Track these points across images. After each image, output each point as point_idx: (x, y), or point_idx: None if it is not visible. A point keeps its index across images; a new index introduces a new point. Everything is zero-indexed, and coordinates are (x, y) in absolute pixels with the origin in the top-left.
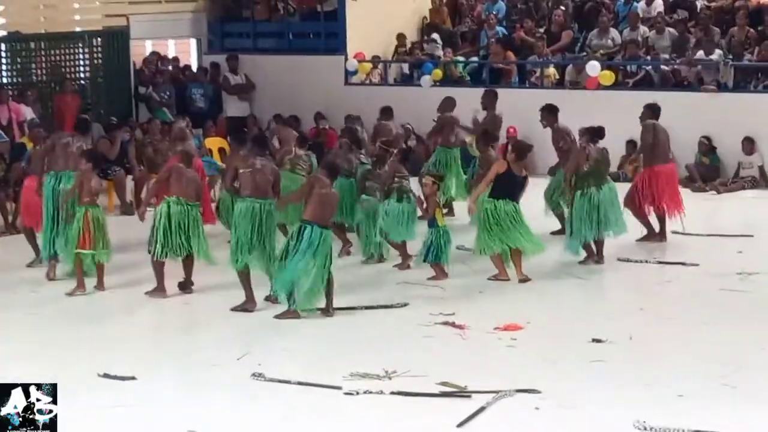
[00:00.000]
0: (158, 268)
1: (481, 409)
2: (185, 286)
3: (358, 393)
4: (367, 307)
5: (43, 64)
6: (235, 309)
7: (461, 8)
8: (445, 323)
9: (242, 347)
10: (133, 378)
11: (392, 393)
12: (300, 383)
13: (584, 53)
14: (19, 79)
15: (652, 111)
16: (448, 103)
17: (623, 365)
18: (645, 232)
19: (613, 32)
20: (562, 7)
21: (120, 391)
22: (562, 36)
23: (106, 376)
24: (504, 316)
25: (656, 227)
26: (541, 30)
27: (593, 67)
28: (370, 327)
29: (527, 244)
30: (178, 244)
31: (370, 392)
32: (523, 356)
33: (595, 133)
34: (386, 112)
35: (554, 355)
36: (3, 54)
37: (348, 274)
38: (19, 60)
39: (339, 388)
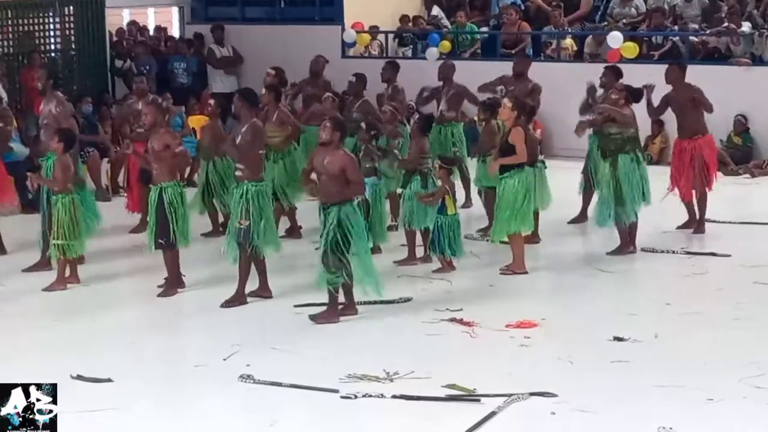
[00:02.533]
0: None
1: (492, 415)
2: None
3: (356, 396)
4: (365, 303)
5: (10, 35)
6: (227, 305)
7: None
8: (452, 320)
9: (229, 347)
10: (109, 380)
11: (394, 396)
12: (293, 386)
13: (605, 23)
14: None
15: (681, 69)
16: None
17: (647, 366)
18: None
19: (637, 0)
20: None
21: (95, 395)
22: (581, 4)
23: (79, 377)
24: (517, 313)
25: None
26: None
27: (615, 38)
28: (370, 324)
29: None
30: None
31: (370, 395)
32: (538, 356)
33: (633, 94)
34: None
35: (572, 355)
36: None
37: None
38: None
39: (335, 391)
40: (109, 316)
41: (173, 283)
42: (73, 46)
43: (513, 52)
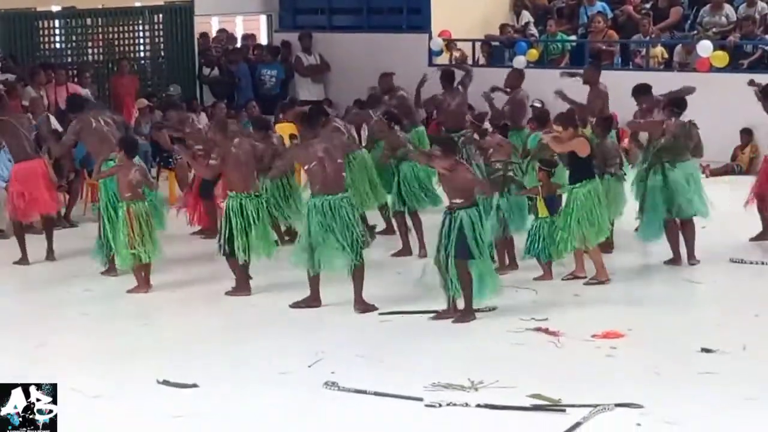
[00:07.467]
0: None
1: (577, 425)
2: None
3: (440, 405)
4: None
5: (100, 42)
6: (296, 305)
7: None
8: (538, 329)
9: (313, 353)
10: (194, 386)
11: (478, 405)
12: (377, 393)
13: (695, 31)
14: (74, 58)
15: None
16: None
17: (735, 378)
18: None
19: (728, 8)
20: None
21: (181, 400)
22: (671, 12)
23: (165, 383)
24: (602, 323)
25: None
26: (647, 6)
27: (705, 47)
28: (454, 333)
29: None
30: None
31: (454, 404)
32: (624, 367)
33: (677, 105)
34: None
35: (658, 366)
36: (57, 31)
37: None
38: (74, 37)
39: (420, 399)
40: (191, 322)
41: (240, 287)
42: (162, 54)
43: (600, 60)
